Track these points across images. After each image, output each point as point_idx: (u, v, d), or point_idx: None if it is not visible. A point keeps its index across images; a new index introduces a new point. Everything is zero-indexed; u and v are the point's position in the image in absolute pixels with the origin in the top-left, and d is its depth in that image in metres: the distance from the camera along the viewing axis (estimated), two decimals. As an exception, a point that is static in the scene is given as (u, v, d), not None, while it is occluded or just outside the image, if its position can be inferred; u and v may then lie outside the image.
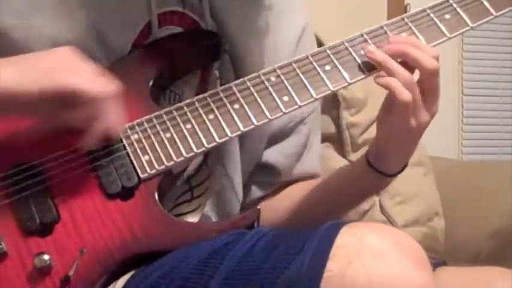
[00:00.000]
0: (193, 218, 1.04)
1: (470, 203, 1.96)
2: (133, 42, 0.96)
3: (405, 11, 2.55)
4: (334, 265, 0.73)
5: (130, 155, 0.89)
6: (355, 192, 1.06)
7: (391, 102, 0.92)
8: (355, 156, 1.75)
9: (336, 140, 1.77)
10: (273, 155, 1.10)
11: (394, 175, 1.01)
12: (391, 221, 1.78)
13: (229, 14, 1.02)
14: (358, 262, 0.72)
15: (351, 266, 0.72)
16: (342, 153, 1.77)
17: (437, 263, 0.97)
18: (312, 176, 1.15)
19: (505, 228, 1.87)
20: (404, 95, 0.90)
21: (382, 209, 1.79)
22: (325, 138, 1.76)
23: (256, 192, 1.12)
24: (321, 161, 1.20)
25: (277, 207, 1.10)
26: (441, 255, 1.85)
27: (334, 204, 1.07)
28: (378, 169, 1.00)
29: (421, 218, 1.86)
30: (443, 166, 2.09)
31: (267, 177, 1.12)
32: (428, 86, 0.92)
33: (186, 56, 0.98)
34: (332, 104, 1.74)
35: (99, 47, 0.94)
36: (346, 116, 1.76)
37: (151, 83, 0.94)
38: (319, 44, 1.67)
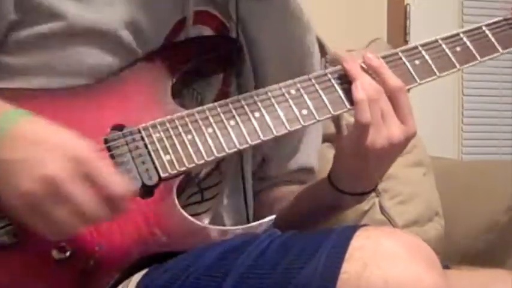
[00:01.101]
0: (206, 219, 1.04)
1: (470, 203, 1.96)
2: (166, 37, 0.98)
3: (405, 11, 2.56)
4: (350, 267, 0.74)
5: (152, 153, 0.89)
6: (315, 207, 1.06)
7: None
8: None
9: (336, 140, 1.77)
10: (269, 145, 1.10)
11: (355, 194, 1.01)
12: (391, 221, 1.78)
13: (253, 18, 1.03)
14: (374, 264, 0.74)
15: (367, 268, 0.74)
16: (342, 153, 1.77)
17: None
18: (307, 170, 1.15)
19: (505, 228, 1.87)
20: (366, 116, 0.91)
21: (382, 209, 1.79)
22: (325, 139, 1.75)
23: (255, 186, 1.13)
24: (321, 161, 1.20)
25: (266, 209, 1.12)
26: (441, 255, 1.84)
27: (297, 218, 1.07)
28: (334, 184, 1.00)
29: (421, 218, 1.86)
30: (443, 166, 2.09)
31: (261, 171, 1.13)
32: (391, 107, 0.93)
33: (205, 60, 1.00)
34: (332, 105, 1.75)
35: (136, 39, 0.95)
36: (346, 117, 1.76)
37: (172, 83, 0.95)
38: (320, 44, 1.68)
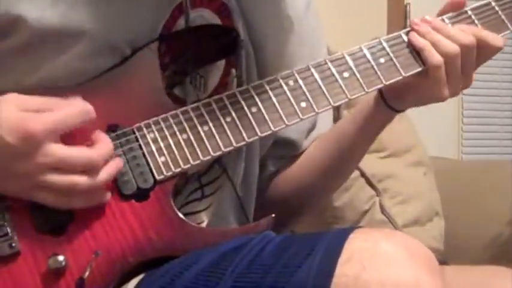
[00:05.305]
0: (205, 217, 1.03)
1: (470, 203, 1.96)
2: (164, 23, 0.95)
3: (405, 11, 2.55)
4: (348, 269, 0.73)
5: (147, 155, 0.87)
6: (364, 131, 1.07)
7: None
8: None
9: (336, 139, 1.77)
10: (292, 131, 1.09)
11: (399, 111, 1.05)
12: (391, 221, 1.78)
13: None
14: (372, 267, 0.73)
15: (365, 271, 0.73)
16: (342, 153, 1.77)
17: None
18: None
19: (505, 228, 1.87)
20: (436, 58, 0.95)
21: (382, 209, 1.79)
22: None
23: (271, 166, 1.12)
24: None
25: (292, 175, 1.11)
26: (441, 255, 1.85)
27: (346, 151, 1.08)
28: (391, 106, 1.03)
29: (421, 218, 1.86)
30: (443, 166, 2.09)
31: (284, 151, 1.11)
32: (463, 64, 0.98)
33: (202, 50, 0.97)
34: (332, 104, 1.75)
35: (124, 34, 0.92)
36: (346, 116, 1.76)
37: (166, 77, 0.93)
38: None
